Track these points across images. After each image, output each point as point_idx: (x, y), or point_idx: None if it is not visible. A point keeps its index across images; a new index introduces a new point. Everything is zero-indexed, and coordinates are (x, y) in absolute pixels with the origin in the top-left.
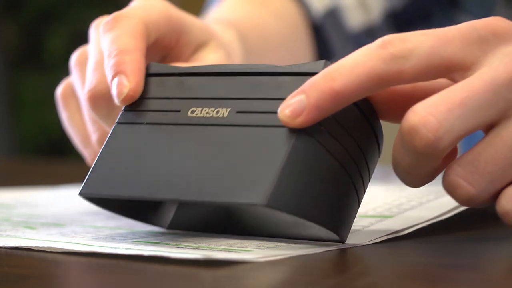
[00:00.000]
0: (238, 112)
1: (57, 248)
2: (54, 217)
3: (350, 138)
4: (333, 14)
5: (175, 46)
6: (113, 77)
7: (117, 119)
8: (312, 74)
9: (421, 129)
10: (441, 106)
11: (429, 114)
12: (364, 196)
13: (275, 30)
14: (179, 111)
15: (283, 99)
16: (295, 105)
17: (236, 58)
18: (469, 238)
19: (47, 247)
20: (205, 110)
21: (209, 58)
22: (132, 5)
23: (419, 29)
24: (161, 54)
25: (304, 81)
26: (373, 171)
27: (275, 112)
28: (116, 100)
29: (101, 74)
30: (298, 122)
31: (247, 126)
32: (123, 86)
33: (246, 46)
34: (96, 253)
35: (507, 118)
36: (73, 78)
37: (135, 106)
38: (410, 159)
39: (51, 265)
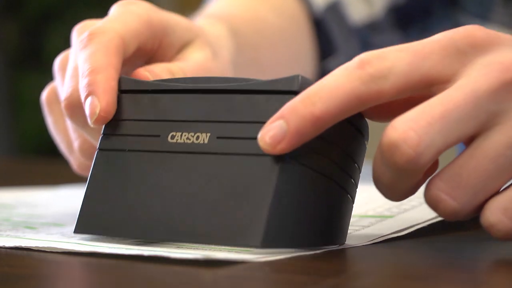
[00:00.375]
0: (218, 137)
1: (57, 248)
2: (54, 217)
3: (335, 148)
4: (335, 8)
5: (158, 49)
6: (85, 98)
7: (98, 145)
8: (287, 92)
9: (401, 144)
10: (421, 120)
11: (409, 129)
12: (364, 196)
13: (273, 25)
14: (158, 135)
15: (260, 122)
16: (275, 132)
17: (224, 54)
18: (469, 238)
19: (47, 247)
20: (185, 135)
21: (193, 56)
22: (110, 14)
23: (419, 26)
24: (144, 59)
25: (279, 100)
26: (362, 163)
27: (255, 138)
28: (89, 122)
29: (77, 81)
30: (279, 149)
31: (230, 155)
32: (95, 106)
33: (239, 40)
34: (96, 253)
35: (487, 130)
36: (57, 83)
37: (113, 129)
38: (391, 174)
39: (51, 265)
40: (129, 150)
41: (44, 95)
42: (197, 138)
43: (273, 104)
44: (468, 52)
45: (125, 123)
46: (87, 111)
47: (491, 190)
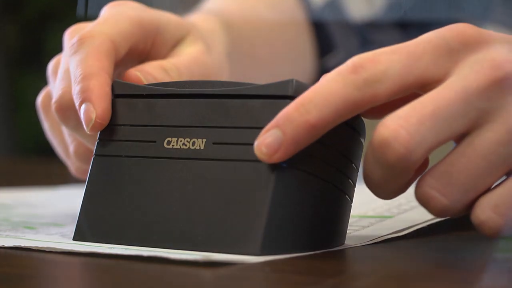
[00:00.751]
0: (214, 143)
1: (57, 248)
2: (54, 217)
3: (331, 150)
4: (333, 5)
5: (151, 49)
6: (80, 105)
7: (94, 151)
8: (281, 97)
9: (392, 142)
10: (411, 118)
11: (400, 127)
12: (364, 197)
13: (270, 22)
14: (154, 141)
15: (255, 127)
16: (271, 141)
17: (218, 47)
18: (469, 238)
19: (47, 247)
20: (181, 141)
21: (186, 51)
22: (100, 17)
23: (419, 25)
24: (138, 59)
25: (274, 105)
26: (360, 163)
27: (251, 144)
28: (86, 129)
29: (67, 83)
30: (276, 158)
31: (226, 161)
32: (90, 113)
33: (234, 36)
34: (96, 253)
35: (478, 127)
36: (51, 87)
37: (109, 135)
38: (382, 172)
39: (51, 265)
40: (125, 156)
41: (39, 99)
42: (193, 144)
43: (268, 109)
44: (460, 50)
45: (121, 128)
46: (82, 118)
47: (482, 187)
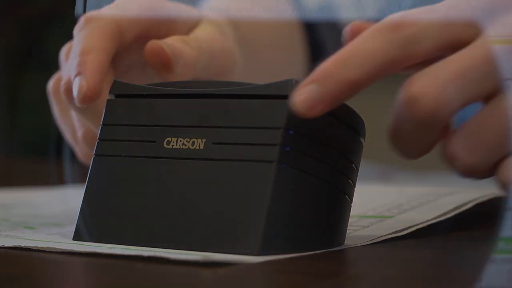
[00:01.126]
0: (213, 143)
1: (57, 248)
2: (54, 217)
3: (331, 150)
4: (326, 10)
5: (167, 35)
6: (74, 78)
7: (95, 151)
8: (280, 96)
9: (421, 98)
10: (441, 76)
11: (430, 84)
12: (364, 197)
13: (268, 25)
14: (154, 141)
15: (255, 127)
16: (310, 95)
17: (229, 38)
18: (469, 238)
19: (47, 247)
20: (181, 141)
21: (203, 29)
22: (111, 4)
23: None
24: None
25: (274, 105)
26: (359, 163)
27: (250, 144)
28: (76, 101)
29: None
30: (315, 112)
31: (225, 161)
32: (81, 86)
33: (238, 33)
34: (96, 253)
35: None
36: (62, 71)
37: (109, 134)
38: (409, 128)
39: (51, 265)
40: (125, 156)
41: (51, 84)
42: (193, 143)
43: (268, 109)
44: (492, 13)
45: (121, 128)
46: (74, 90)
47: (508, 148)
